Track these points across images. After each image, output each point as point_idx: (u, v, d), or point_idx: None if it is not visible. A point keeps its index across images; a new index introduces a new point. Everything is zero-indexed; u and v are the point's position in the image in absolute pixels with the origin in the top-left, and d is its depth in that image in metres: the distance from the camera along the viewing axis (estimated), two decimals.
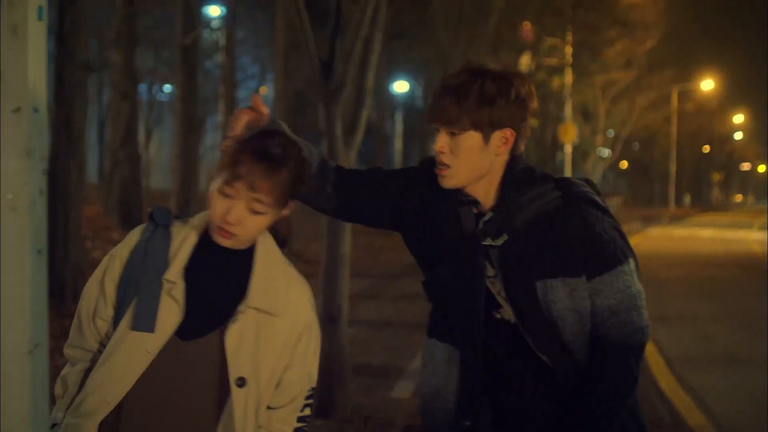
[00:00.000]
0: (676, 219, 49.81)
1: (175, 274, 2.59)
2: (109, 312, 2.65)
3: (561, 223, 2.77)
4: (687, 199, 76.44)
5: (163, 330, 2.57)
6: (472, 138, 2.74)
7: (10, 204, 1.95)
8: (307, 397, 2.74)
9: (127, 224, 14.86)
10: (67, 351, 2.71)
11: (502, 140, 2.76)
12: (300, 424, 2.74)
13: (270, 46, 29.74)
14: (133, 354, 2.58)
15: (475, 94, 2.72)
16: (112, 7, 13.77)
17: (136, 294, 2.60)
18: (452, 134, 2.75)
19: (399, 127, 45.20)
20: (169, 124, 37.36)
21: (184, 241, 2.64)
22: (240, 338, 2.58)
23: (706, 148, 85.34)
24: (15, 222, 1.98)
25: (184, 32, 13.11)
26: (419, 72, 35.34)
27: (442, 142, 2.76)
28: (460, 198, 2.86)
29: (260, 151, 2.56)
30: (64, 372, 2.69)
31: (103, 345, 2.67)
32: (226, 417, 2.60)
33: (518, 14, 25.30)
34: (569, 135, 30.80)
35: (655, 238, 33.04)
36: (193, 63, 13.89)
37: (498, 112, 2.73)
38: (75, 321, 2.71)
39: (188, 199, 13.41)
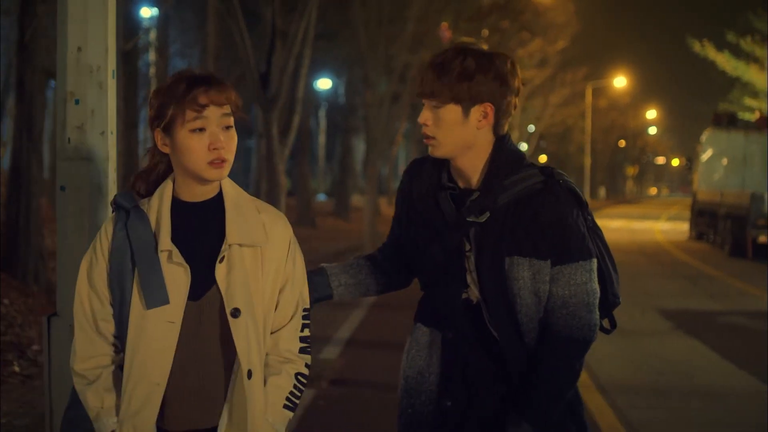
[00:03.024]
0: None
1: (167, 242, 2.61)
2: (107, 310, 2.65)
3: (537, 207, 2.81)
4: (602, 192, 77.09)
5: (178, 296, 2.59)
6: (452, 111, 2.82)
7: (97, 186, 3.25)
8: (304, 317, 2.79)
9: None
10: (82, 365, 2.66)
11: (482, 114, 2.83)
12: (303, 344, 2.79)
13: (197, 46, 30.45)
14: (160, 330, 2.58)
15: (456, 69, 2.79)
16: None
17: (134, 277, 2.60)
18: (434, 107, 2.83)
19: (323, 123, 46.01)
20: None
21: (160, 212, 2.65)
22: (228, 274, 2.62)
23: (622, 143, 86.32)
24: (101, 191, 3.28)
25: (125, 37, 14.05)
26: (342, 70, 35.99)
27: (425, 114, 2.86)
28: (441, 184, 2.95)
29: (197, 76, 2.65)
30: (85, 388, 2.65)
31: (114, 345, 2.68)
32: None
33: (436, 16, 26.24)
34: None
35: None
36: (133, 66, 14.85)
37: (476, 86, 2.79)
38: (78, 335, 2.67)
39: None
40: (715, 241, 26.12)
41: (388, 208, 35.43)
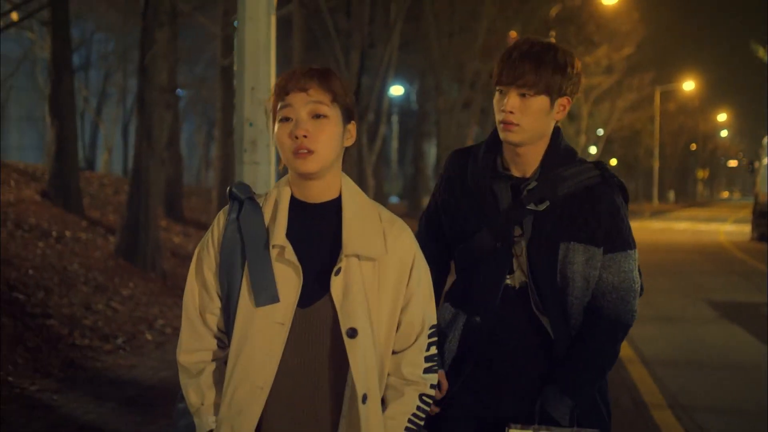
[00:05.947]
0: (657, 213, 50.07)
1: (281, 238, 2.43)
2: (216, 304, 2.50)
3: (595, 199, 2.89)
4: (671, 195, 76.39)
5: (288, 296, 2.41)
6: (541, 101, 2.86)
7: (264, 182, 4.65)
8: (430, 335, 2.59)
9: (172, 215, 17.05)
10: (186, 358, 2.52)
11: (561, 107, 2.91)
12: (429, 364, 2.58)
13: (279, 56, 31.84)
14: (268, 330, 2.41)
15: (552, 62, 2.84)
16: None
17: (243, 271, 2.43)
18: (522, 96, 2.85)
19: (395, 128, 47.10)
20: (187, 126, 39.50)
21: (277, 207, 2.49)
22: (345, 289, 2.42)
23: (693, 146, 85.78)
24: (267, 185, 4.67)
25: (224, 54, 15.52)
26: (413, 77, 37.14)
27: (513, 102, 2.85)
28: (497, 171, 2.97)
29: (298, 69, 2.51)
30: (187, 382, 2.52)
31: (220, 340, 2.53)
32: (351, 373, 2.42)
33: (504, 26, 27.30)
34: None
35: (634, 230, 34.27)
36: (230, 79, 16.27)
37: (566, 81, 2.86)
38: (185, 325, 2.54)
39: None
40: None
41: None
